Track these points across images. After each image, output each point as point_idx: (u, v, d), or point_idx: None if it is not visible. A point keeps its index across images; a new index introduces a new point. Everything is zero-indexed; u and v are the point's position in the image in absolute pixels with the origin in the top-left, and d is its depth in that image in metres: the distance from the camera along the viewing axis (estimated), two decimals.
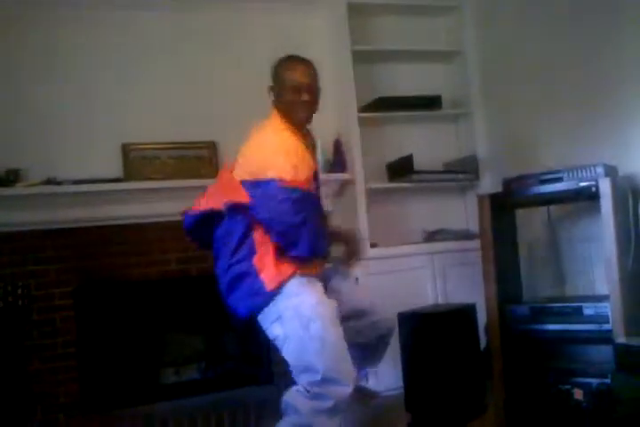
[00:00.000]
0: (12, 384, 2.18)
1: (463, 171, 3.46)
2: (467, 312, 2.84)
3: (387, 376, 2.95)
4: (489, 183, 3.35)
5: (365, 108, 3.37)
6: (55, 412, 2.67)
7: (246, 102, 3.28)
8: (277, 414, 2.09)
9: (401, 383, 2.74)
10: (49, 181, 2.90)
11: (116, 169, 3.09)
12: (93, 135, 3.09)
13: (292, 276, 2.01)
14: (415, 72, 3.63)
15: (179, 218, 3.02)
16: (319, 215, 2.15)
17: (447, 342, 2.64)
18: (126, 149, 3.14)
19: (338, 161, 3.36)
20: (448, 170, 3.53)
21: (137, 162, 3.15)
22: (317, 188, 2.25)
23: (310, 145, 2.21)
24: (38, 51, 3.05)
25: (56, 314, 2.89)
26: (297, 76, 2.07)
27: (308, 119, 2.14)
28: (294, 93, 2.08)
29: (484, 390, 2.77)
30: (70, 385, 2.86)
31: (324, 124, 3.42)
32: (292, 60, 2.12)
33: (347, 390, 1.93)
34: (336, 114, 3.46)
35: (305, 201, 2.02)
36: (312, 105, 2.12)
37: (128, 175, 3.10)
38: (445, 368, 2.62)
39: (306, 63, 2.12)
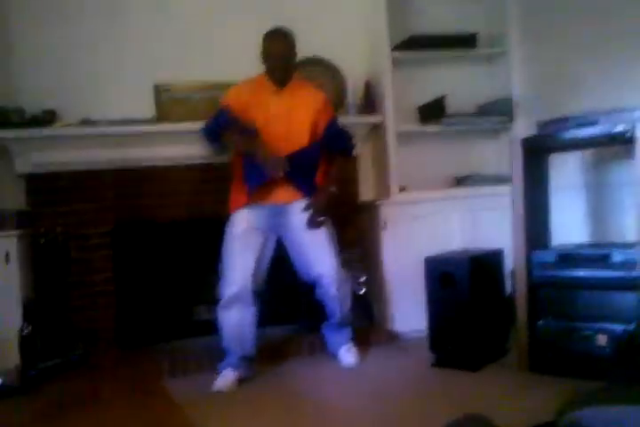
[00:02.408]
0: (56, 318, 2.31)
1: (497, 113, 3.37)
2: (494, 257, 2.86)
3: (412, 318, 3.04)
4: (523, 126, 3.26)
5: (397, 47, 3.28)
6: (94, 345, 2.80)
7: None
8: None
9: (426, 325, 2.80)
10: (84, 122, 2.95)
11: (149, 110, 3.11)
12: (126, 76, 3.10)
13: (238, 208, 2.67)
14: (450, 10, 3.48)
15: (210, 160, 3.10)
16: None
17: (472, 287, 2.67)
18: (158, 90, 3.15)
19: (368, 103, 3.32)
20: (481, 112, 3.44)
21: (169, 103, 3.15)
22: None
23: (280, 90, 2.70)
24: None
25: (94, 252, 3.00)
26: (272, 47, 2.65)
27: (283, 78, 2.69)
28: (269, 60, 2.66)
29: (508, 334, 2.82)
30: (108, 321, 3.00)
31: (355, 65, 3.37)
32: (271, 34, 2.68)
33: (227, 290, 2.58)
34: (367, 53, 3.40)
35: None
36: (284, 69, 2.68)
37: (160, 116, 3.12)
38: (469, 312, 2.67)
39: (280, 36, 2.68)
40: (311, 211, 2.66)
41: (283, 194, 2.67)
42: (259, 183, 2.61)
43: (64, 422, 1.36)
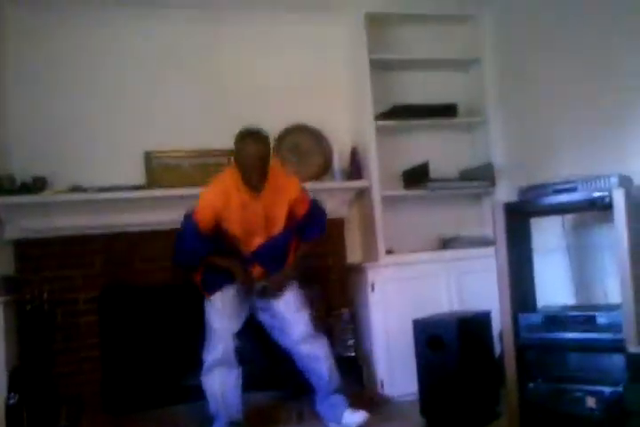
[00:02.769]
0: (41, 386, 2.26)
1: (479, 178, 3.49)
2: (481, 319, 2.88)
3: (402, 381, 3.01)
4: (505, 191, 3.38)
5: (382, 116, 3.42)
6: (81, 411, 2.73)
7: (266, 112, 3.37)
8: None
9: (416, 389, 2.77)
10: (74, 189, 3.00)
11: (138, 176, 3.18)
12: (116, 143, 3.19)
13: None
14: (432, 80, 3.68)
15: None
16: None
17: (461, 349, 2.67)
18: (149, 157, 3.23)
19: (354, 169, 3.42)
20: (464, 178, 3.56)
21: (159, 169, 3.23)
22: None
23: (257, 196, 2.64)
24: (63, 60, 3.16)
25: (81, 318, 2.98)
26: (246, 150, 2.57)
27: (258, 182, 2.62)
28: (244, 164, 2.59)
29: (498, 397, 2.80)
30: (95, 386, 2.94)
31: (341, 132, 3.51)
32: (245, 136, 2.60)
33: (209, 355, 2.63)
34: (353, 121, 3.54)
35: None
36: (259, 173, 2.60)
37: (151, 182, 3.18)
38: (460, 375, 2.65)
39: (255, 139, 2.59)
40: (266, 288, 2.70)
41: (254, 273, 2.71)
42: (220, 288, 2.67)
43: None
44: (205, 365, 2.64)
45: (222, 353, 2.61)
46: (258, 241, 2.66)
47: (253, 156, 2.54)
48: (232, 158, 2.69)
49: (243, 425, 2.65)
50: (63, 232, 3.00)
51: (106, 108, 3.20)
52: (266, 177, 2.63)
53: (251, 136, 2.58)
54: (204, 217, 2.60)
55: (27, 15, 3.12)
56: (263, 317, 2.77)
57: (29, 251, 2.96)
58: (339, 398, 2.73)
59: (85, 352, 2.96)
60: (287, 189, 2.69)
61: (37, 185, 2.97)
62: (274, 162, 2.75)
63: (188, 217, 2.64)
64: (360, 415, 2.66)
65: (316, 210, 2.80)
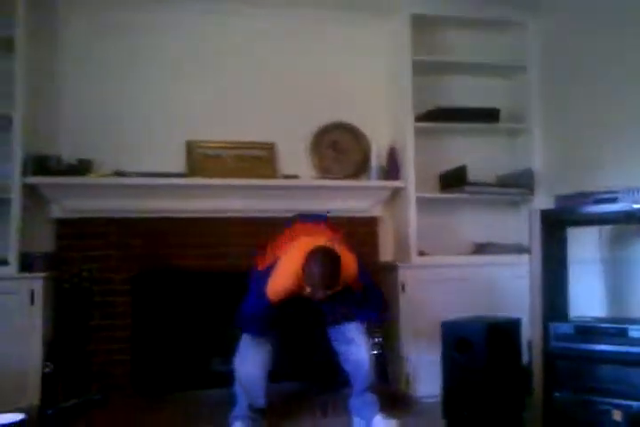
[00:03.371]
0: (75, 359, 2.34)
1: (517, 185, 3.47)
2: (511, 326, 2.86)
3: (426, 382, 3.01)
4: (543, 199, 3.35)
5: (422, 118, 3.42)
6: (109, 391, 2.80)
7: (306, 107, 3.42)
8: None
9: (439, 391, 2.76)
10: (118, 173, 3.07)
11: (179, 164, 3.24)
12: (161, 132, 3.26)
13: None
14: (474, 85, 3.67)
15: (237, 215, 3.20)
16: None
17: (489, 354, 2.66)
18: (190, 146, 3.29)
19: (391, 168, 3.43)
20: (502, 183, 3.54)
21: (199, 159, 3.29)
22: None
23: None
24: (112, 51, 3.24)
25: (116, 298, 3.05)
26: (318, 275, 2.42)
27: (312, 294, 2.47)
28: (312, 284, 2.44)
29: (523, 404, 2.78)
30: (124, 366, 3.01)
31: (380, 131, 3.53)
32: (320, 257, 2.44)
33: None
34: (392, 122, 3.55)
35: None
36: (322, 291, 2.45)
37: (191, 171, 3.24)
38: (485, 379, 2.64)
39: (329, 264, 2.43)
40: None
41: None
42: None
43: None
44: (240, 342, 2.64)
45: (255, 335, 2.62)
46: None
47: (323, 280, 2.42)
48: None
49: (264, 412, 2.67)
50: (104, 214, 3.08)
51: (153, 98, 3.27)
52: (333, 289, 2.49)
53: (325, 257, 2.44)
54: (278, 297, 2.51)
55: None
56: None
57: (71, 230, 3.05)
58: (371, 397, 2.71)
59: (119, 332, 3.03)
60: (348, 278, 2.56)
61: (83, 167, 3.05)
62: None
63: (261, 296, 2.52)
64: (391, 425, 2.65)
65: (370, 291, 2.68)
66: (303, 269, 2.46)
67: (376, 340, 3.16)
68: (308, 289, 2.44)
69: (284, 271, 2.52)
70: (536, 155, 3.50)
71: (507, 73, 3.68)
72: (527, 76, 3.56)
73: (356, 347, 2.70)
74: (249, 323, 2.56)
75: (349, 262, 2.56)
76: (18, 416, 1.34)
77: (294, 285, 2.48)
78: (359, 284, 2.61)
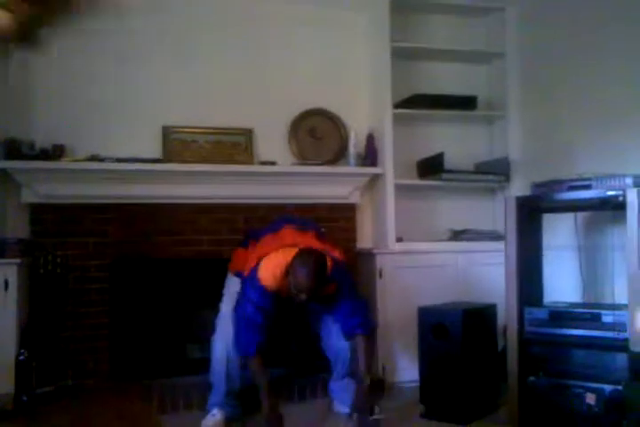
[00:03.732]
0: (50, 346, 2.31)
1: (494, 172, 3.50)
2: (487, 311, 2.89)
3: (403, 368, 3.05)
4: (519, 186, 3.38)
5: (400, 105, 3.42)
6: (84, 377, 2.79)
7: (284, 93, 3.39)
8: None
9: (417, 376, 2.79)
10: (92, 158, 3.02)
11: (155, 150, 3.19)
12: (136, 117, 3.20)
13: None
14: (453, 72, 3.69)
15: (213, 201, 3.17)
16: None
17: (465, 339, 2.69)
18: (166, 132, 3.24)
19: (369, 155, 3.43)
20: (479, 171, 3.57)
21: (176, 144, 3.24)
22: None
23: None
24: (86, 35, 3.16)
25: (92, 285, 3.02)
26: (304, 280, 2.38)
27: (298, 299, 2.45)
28: (297, 288, 2.41)
29: (499, 389, 2.82)
30: (101, 352, 2.99)
31: (358, 118, 3.52)
32: (306, 263, 2.39)
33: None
34: (371, 108, 3.54)
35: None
36: (308, 298, 2.44)
37: (167, 157, 3.20)
38: (461, 365, 2.67)
39: (315, 270, 2.39)
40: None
41: None
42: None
43: None
44: (218, 321, 2.66)
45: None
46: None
47: (308, 286, 2.39)
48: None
49: (241, 396, 2.67)
50: (79, 200, 3.03)
51: (128, 82, 3.20)
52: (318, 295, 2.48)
53: (309, 264, 2.40)
54: (270, 282, 2.48)
55: None
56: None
57: (45, 216, 2.99)
58: (351, 382, 2.72)
59: (94, 319, 3.00)
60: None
61: (56, 152, 2.99)
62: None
63: (254, 286, 2.48)
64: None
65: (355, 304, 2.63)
66: (289, 270, 2.44)
67: None
68: (293, 290, 2.43)
69: (274, 260, 2.50)
70: (513, 142, 3.53)
71: (485, 60, 3.69)
72: (505, 63, 3.57)
73: (336, 333, 2.71)
74: (250, 329, 2.47)
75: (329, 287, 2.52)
76: None
77: (282, 276, 2.46)
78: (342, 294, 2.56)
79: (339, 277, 2.57)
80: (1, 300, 2.69)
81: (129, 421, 1.63)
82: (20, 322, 2.72)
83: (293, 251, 2.48)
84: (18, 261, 2.77)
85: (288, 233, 2.66)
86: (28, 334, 2.53)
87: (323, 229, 2.87)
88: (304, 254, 2.44)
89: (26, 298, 2.84)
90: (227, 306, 2.66)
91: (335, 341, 2.71)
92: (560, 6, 3.23)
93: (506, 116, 3.56)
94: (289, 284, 2.45)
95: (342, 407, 2.75)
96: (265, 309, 2.48)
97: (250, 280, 2.52)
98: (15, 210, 3.01)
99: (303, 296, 2.42)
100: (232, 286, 2.69)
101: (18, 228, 2.98)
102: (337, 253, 2.66)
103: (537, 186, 2.78)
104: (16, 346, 2.46)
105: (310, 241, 2.63)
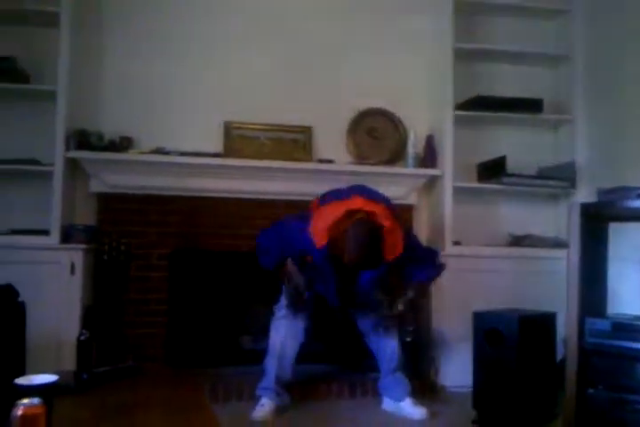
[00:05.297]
0: (110, 329, 2.40)
1: (558, 178, 3.39)
2: (545, 320, 2.80)
3: (457, 372, 2.99)
4: (584, 193, 3.27)
5: (462, 106, 3.37)
6: (142, 360, 2.86)
7: (344, 92, 3.40)
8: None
9: (470, 381, 2.74)
10: (157, 151, 3.11)
11: (217, 145, 3.25)
12: (199, 111, 3.27)
13: None
14: (517, 74, 3.60)
15: (271, 197, 3.22)
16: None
17: (521, 346, 2.62)
18: (228, 127, 3.30)
19: (428, 156, 3.39)
20: (542, 176, 3.47)
21: (237, 140, 3.30)
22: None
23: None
24: (154, 29, 3.26)
25: (152, 273, 3.10)
26: (354, 251, 2.34)
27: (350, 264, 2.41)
28: (350, 250, 2.36)
29: (556, 400, 2.73)
30: (159, 338, 3.07)
31: (418, 119, 3.49)
32: (360, 236, 2.34)
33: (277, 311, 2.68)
34: (431, 109, 3.50)
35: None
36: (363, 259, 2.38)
37: (228, 152, 3.26)
38: (517, 372, 2.60)
39: (369, 237, 2.35)
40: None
41: None
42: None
43: (112, 422, 1.42)
44: (276, 313, 2.69)
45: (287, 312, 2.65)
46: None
47: (362, 251, 2.35)
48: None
49: (291, 386, 2.69)
50: (144, 191, 3.12)
51: (193, 78, 3.28)
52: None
53: (366, 231, 2.36)
54: (319, 236, 2.43)
55: None
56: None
57: (111, 205, 3.10)
58: (401, 377, 2.74)
59: (154, 306, 3.08)
60: (393, 250, 2.46)
61: (123, 144, 3.09)
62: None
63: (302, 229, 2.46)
64: (421, 412, 2.66)
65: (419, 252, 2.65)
66: (343, 236, 2.36)
67: (409, 328, 3.15)
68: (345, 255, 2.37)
69: (329, 215, 2.43)
70: (579, 147, 3.41)
71: (551, 62, 3.60)
72: (572, 66, 3.47)
73: (383, 329, 2.69)
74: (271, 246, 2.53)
75: (396, 244, 2.46)
76: (52, 378, 1.37)
77: (334, 232, 2.38)
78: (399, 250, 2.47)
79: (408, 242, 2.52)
80: (67, 282, 2.81)
81: (181, 406, 1.67)
82: (83, 304, 2.84)
83: (356, 210, 2.39)
84: (84, 246, 2.89)
85: (357, 201, 2.51)
86: (91, 316, 2.65)
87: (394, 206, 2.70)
88: (360, 224, 2.36)
89: (90, 282, 2.96)
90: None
91: (381, 337, 2.69)
92: (628, 7, 3.12)
93: (572, 120, 3.45)
94: (338, 242, 2.37)
95: (392, 404, 2.73)
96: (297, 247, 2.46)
97: (295, 231, 2.49)
98: (84, 198, 3.12)
99: (352, 264, 2.37)
100: None
101: (85, 215, 3.09)
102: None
103: (603, 193, 2.68)
104: (79, 327, 2.59)
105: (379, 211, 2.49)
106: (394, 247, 2.44)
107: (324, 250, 2.41)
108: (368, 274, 2.52)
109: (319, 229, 2.42)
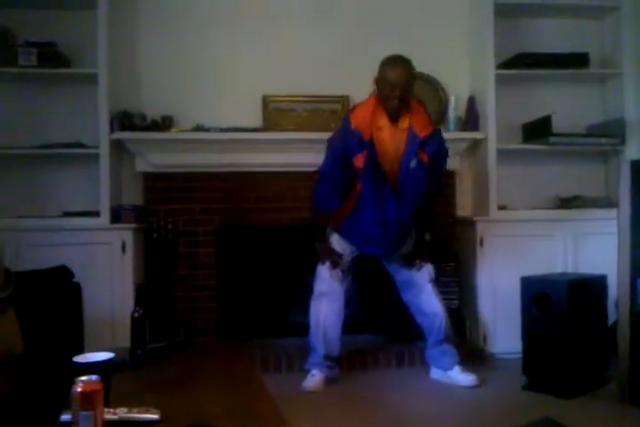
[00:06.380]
0: (162, 305, 2.50)
1: (607, 135, 3.26)
2: (596, 282, 2.75)
3: (505, 339, 2.98)
4: (635, 150, 3.15)
5: (504, 65, 3.26)
6: (194, 335, 2.97)
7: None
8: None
9: (519, 348, 2.73)
10: (198, 128, 3.14)
11: (256, 119, 3.26)
12: (238, 87, 3.28)
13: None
14: (561, 28, 3.45)
15: (310, 169, 3.21)
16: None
17: (570, 311, 2.58)
18: (266, 101, 3.30)
19: (470, 119, 3.31)
20: (590, 134, 3.34)
21: (274, 113, 3.30)
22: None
23: (400, 128, 2.59)
24: (189, 8, 3.26)
25: (200, 249, 3.19)
26: (393, 75, 2.52)
27: (397, 109, 2.56)
28: (386, 88, 2.54)
29: (608, 364, 2.70)
30: (209, 312, 3.17)
31: (459, 80, 3.39)
32: (393, 61, 2.57)
33: (318, 286, 2.76)
34: (472, 70, 3.40)
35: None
36: (400, 100, 2.54)
37: (266, 125, 3.27)
38: (566, 338, 2.58)
39: (403, 65, 2.56)
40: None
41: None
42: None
43: (168, 395, 1.49)
44: (314, 293, 2.74)
45: (327, 286, 2.70)
46: (391, 171, 2.57)
47: (396, 80, 2.50)
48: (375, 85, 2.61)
49: (340, 360, 2.74)
50: (187, 169, 3.17)
51: (228, 54, 3.28)
52: (406, 105, 2.56)
53: (396, 60, 2.56)
54: (360, 125, 2.55)
55: None
56: (388, 267, 2.81)
57: (157, 184, 3.17)
58: (449, 348, 2.76)
59: (203, 281, 3.17)
60: (423, 126, 2.59)
61: (165, 123, 3.14)
62: (417, 104, 2.65)
63: (344, 128, 2.60)
64: (470, 379, 2.68)
65: (439, 159, 2.69)
66: (377, 83, 2.56)
67: (453, 295, 3.14)
68: (383, 98, 2.52)
69: (362, 105, 2.62)
70: (629, 102, 3.26)
71: (597, 14, 3.42)
72: (620, 17, 3.28)
73: (426, 297, 2.71)
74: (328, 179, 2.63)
75: (429, 123, 2.63)
76: (109, 355, 1.44)
77: (372, 111, 2.54)
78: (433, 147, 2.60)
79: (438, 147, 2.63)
80: (119, 261, 2.91)
81: (233, 376, 1.73)
82: (135, 282, 2.94)
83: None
84: (133, 226, 2.98)
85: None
86: (143, 293, 2.74)
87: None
88: (387, 59, 2.56)
89: (141, 260, 3.07)
90: (322, 268, 2.72)
91: (428, 308, 2.71)
92: None
93: (621, 74, 3.29)
94: (379, 96, 2.54)
95: (440, 373, 2.75)
96: (351, 160, 2.53)
97: (342, 133, 2.61)
98: (130, 179, 3.20)
99: (395, 95, 2.48)
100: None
101: (132, 195, 3.18)
102: None
103: None
104: (132, 304, 2.68)
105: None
106: (423, 125, 2.59)
107: (371, 141, 2.51)
108: (416, 172, 2.55)
109: (360, 118, 2.57)
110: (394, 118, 2.57)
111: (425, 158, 2.56)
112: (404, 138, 2.56)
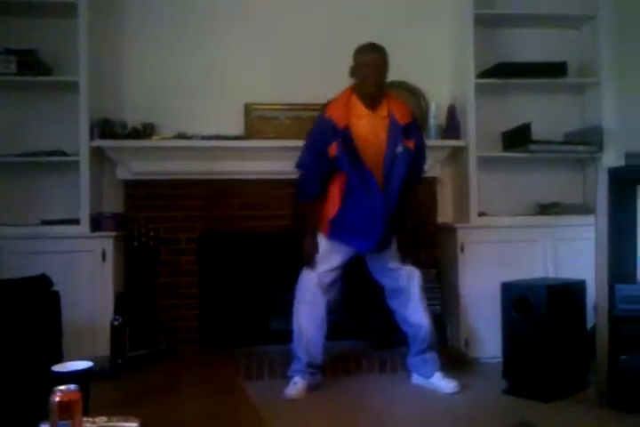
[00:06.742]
0: (143, 313, 2.49)
1: (585, 142, 3.31)
2: (575, 288, 2.79)
3: (486, 343, 3.01)
4: (612, 158, 3.19)
5: (484, 74, 3.30)
6: (176, 343, 2.94)
7: None
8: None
9: (499, 352, 2.75)
10: (179, 136, 3.14)
11: (238, 127, 3.27)
12: (220, 95, 3.28)
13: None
14: (540, 38, 3.51)
15: (293, 176, 3.22)
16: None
17: (550, 315, 2.61)
18: (248, 109, 3.31)
19: (451, 127, 3.34)
20: (569, 141, 3.39)
21: (257, 121, 3.31)
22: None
23: (379, 115, 2.64)
24: (171, 16, 3.27)
25: (182, 257, 3.17)
26: (368, 57, 2.60)
27: (374, 93, 2.61)
28: (362, 71, 2.59)
29: (587, 368, 2.73)
30: (191, 320, 3.15)
31: (439, 89, 3.42)
32: (367, 46, 2.63)
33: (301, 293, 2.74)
34: (452, 79, 3.44)
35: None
36: (376, 82, 2.60)
37: (248, 133, 3.27)
38: (546, 342, 2.60)
39: (378, 49, 2.63)
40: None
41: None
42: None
43: (148, 404, 1.48)
44: (297, 299, 2.73)
45: (311, 295, 2.69)
46: (374, 159, 2.59)
47: (372, 62, 2.57)
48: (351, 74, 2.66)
49: (322, 367, 2.75)
50: (168, 176, 3.16)
51: (211, 61, 3.29)
52: (382, 91, 2.62)
53: (371, 45, 2.62)
54: (338, 116, 2.59)
55: None
56: (375, 273, 2.81)
57: (138, 191, 3.15)
58: (431, 355, 2.76)
59: (185, 289, 3.16)
60: (402, 114, 2.65)
61: (146, 131, 3.14)
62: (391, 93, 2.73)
63: (322, 121, 2.64)
64: (453, 386, 2.68)
65: (422, 148, 2.75)
66: (353, 70, 2.61)
67: (434, 301, 3.16)
68: (361, 84, 2.57)
69: (337, 97, 2.67)
70: (607, 110, 3.32)
71: (575, 23, 3.49)
72: (597, 26, 3.35)
73: (413, 308, 2.71)
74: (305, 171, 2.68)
75: (407, 108, 2.71)
76: (87, 364, 1.44)
77: (347, 100, 2.59)
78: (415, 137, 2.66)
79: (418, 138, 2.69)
80: (99, 269, 2.89)
81: (215, 384, 1.73)
82: (115, 290, 2.93)
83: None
84: (114, 233, 2.97)
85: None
86: (123, 301, 2.73)
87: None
88: (359, 45, 2.62)
89: (122, 268, 3.05)
90: (306, 275, 2.72)
91: (413, 318, 2.72)
92: None
93: (598, 83, 3.35)
94: (356, 82, 2.58)
95: (421, 380, 2.77)
96: (326, 150, 2.56)
97: (317, 124, 2.65)
98: (111, 186, 3.19)
99: (372, 76, 2.54)
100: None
101: (113, 203, 3.16)
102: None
103: (632, 156, 2.63)
104: (112, 312, 2.63)
105: None
106: (403, 112, 2.65)
107: (346, 128, 2.54)
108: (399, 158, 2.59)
109: (333, 108, 2.62)
110: (372, 106, 2.61)
111: (411, 145, 2.63)
112: (384, 125, 2.61)
